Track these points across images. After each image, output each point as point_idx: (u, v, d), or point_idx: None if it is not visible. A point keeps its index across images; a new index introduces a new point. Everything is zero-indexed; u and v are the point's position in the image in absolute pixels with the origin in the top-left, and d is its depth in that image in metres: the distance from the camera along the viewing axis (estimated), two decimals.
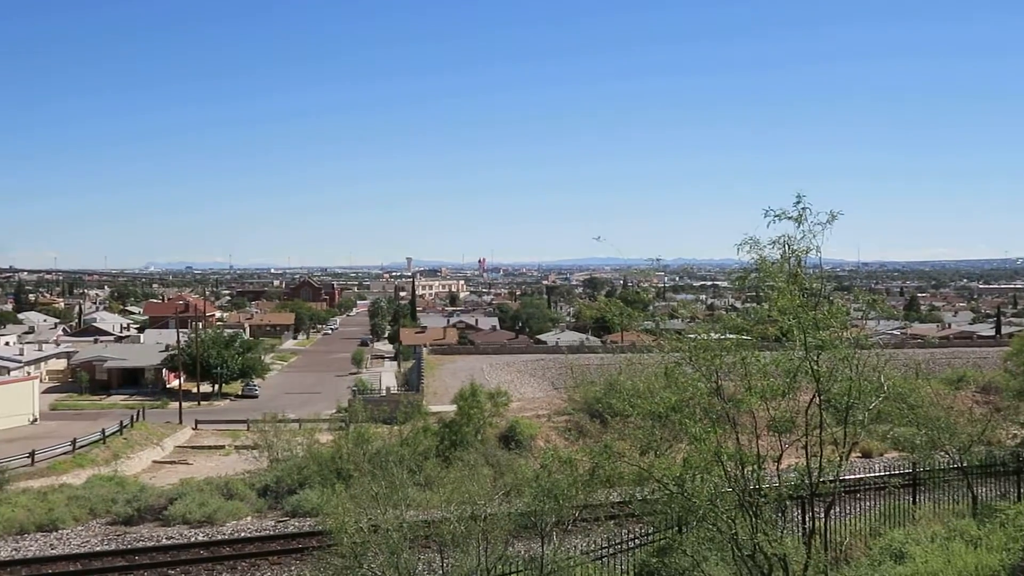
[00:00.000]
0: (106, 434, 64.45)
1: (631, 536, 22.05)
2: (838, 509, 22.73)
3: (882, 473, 32.51)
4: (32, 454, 56.25)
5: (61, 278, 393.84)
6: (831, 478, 16.42)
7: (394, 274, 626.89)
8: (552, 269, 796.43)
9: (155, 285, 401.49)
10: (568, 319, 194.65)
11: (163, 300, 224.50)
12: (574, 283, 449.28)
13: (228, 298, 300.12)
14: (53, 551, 31.44)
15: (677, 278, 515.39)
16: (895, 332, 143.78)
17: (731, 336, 16.67)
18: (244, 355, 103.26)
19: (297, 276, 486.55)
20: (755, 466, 15.76)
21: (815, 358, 15.85)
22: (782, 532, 16.12)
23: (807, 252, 16.22)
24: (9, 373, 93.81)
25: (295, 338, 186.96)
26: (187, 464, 63.02)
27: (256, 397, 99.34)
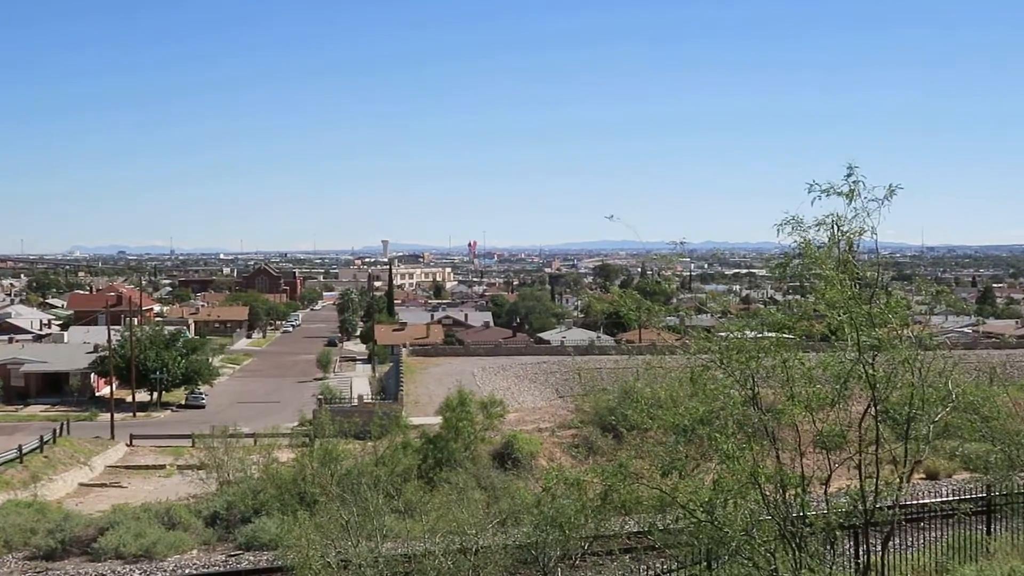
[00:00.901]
0: (23, 452, 64.38)
1: (650, 573, 22.09)
2: (897, 541, 22.77)
3: (950, 498, 32.57)
4: None
5: None
6: (889, 504, 16.43)
7: (367, 260, 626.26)
8: (556, 254, 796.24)
9: (81, 273, 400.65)
10: (575, 314, 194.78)
11: (91, 291, 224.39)
12: (582, 271, 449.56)
13: (169, 289, 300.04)
14: None
15: (705, 265, 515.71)
16: (966, 330, 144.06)
17: (770, 334, 16.67)
18: (188, 357, 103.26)
19: (251, 263, 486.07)
20: (799, 489, 15.77)
21: (870, 361, 15.83)
22: (831, 568, 16.15)
23: (860, 234, 16.17)
24: None
25: (249, 336, 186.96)
26: (120, 487, 63.04)
27: (203, 407, 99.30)
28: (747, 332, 16.75)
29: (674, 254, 19.24)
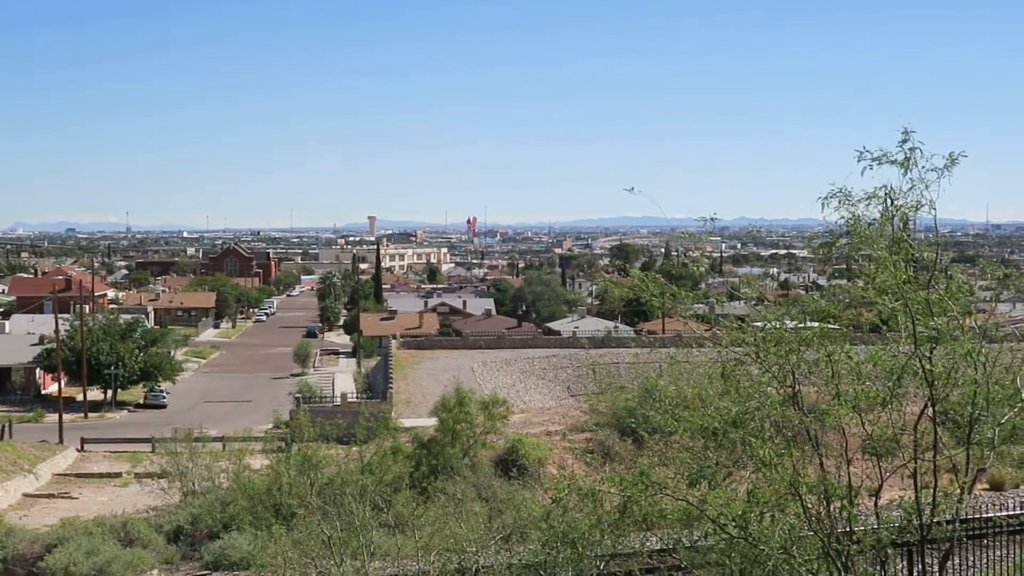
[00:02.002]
0: None
1: None
2: (958, 560, 22.80)
3: (1018, 512, 32.60)
4: None
5: None
6: (949, 518, 16.44)
7: (351, 239, 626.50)
8: (568, 232, 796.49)
9: (24, 254, 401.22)
10: (590, 301, 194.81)
11: (36, 274, 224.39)
12: (598, 251, 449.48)
13: (124, 272, 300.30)
14: None
15: (739, 245, 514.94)
16: None
17: (812, 325, 16.65)
18: (147, 350, 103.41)
19: (219, 242, 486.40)
20: (845, 501, 15.79)
21: (927, 354, 15.80)
22: None
23: (917, 209, 16.11)
24: None
25: (217, 326, 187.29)
26: (70, 498, 63.17)
27: (164, 407, 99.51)
28: (786, 322, 16.74)
29: (703, 232, 19.16)
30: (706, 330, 18.28)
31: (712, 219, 18.46)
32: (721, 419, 16.04)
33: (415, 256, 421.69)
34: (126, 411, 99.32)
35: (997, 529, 29.19)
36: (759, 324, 16.87)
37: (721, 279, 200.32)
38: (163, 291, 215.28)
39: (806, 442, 16.16)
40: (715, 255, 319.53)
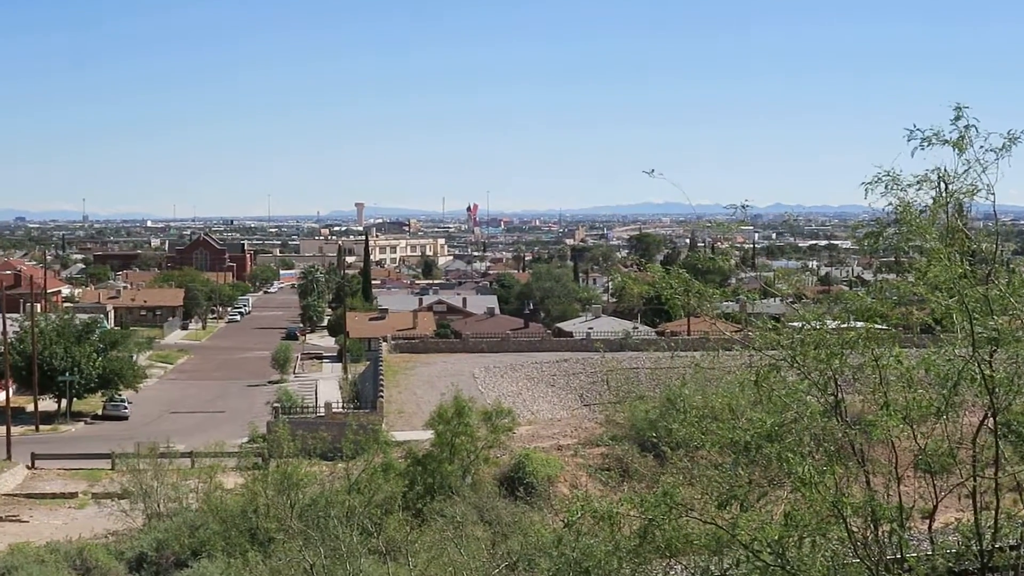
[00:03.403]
0: None
1: None
2: None
3: None
4: None
5: None
6: (1012, 543, 16.42)
7: (336, 229, 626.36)
8: (580, 221, 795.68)
9: None
10: (605, 298, 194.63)
11: None
12: (614, 242, 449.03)
13: (81, 266, 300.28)
14: None
15: (774, 235, 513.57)
16: None
17: (857, 325, 16.63)
18: (107, 354, 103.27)
19: (187, 232, 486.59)
20: (895, 524, 15.77)
21: (987, 358, 15.75)
22: None
23: (973, 194, 16.07)
24: None
25: (185, 327, 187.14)
26: (20, 521, 63.20)
27: (126, 419, 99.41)
28: (827, 322, 16.72)
29: (733, 221, 19.16)
30: (736, 331, 18.26)
31: (743, 206, 18.45)
32: (754, 432, 16.02)
33: (408, 248, 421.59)
34: (83, 423, 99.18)
35: None
36: (796, 324, 16.86)
37: (753, 274, 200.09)
38: (124, 287, 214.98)
39: (850, 458, 16.14)
40: (747, 247, 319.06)
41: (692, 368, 20.36)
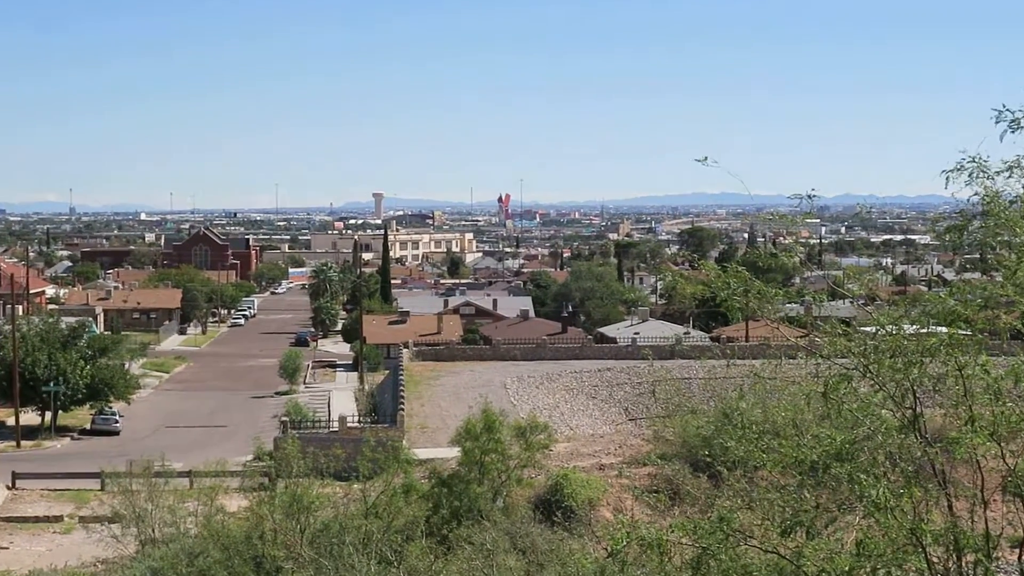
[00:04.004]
0: None
1: None
2: None
3: None
4: None
5: None
6: None
7: (353, 221, 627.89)
8: (625, 213, 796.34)
9: None
10: (654, 300, 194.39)
11: None
12: (663, 236, 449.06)
13: (68, 264, 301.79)
14: None
15: (843, 229, 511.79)
16: None
17: (938, 330, 16.56)
18: (96, 362, 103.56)
19: (186, 225, 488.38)
20: (980, 555, 15.71)
21: None
22: None
23: None
24: None
25: (183, 332, 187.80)
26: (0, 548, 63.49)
27: (116, 433, 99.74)
28: (905, 326, 16.66)
29: (798, 213, 19.15)
30: (801, 337, 18.22)
31: (809, 196, 18.43)
32: (822, 450, 15.99)
33: (432, 244, 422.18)
34: (69, 438, 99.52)
35: None
36: (869, 330, 16.81)
37: (820, 272, 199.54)
38: (115, 288, 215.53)
39: (930, 479, 16.09)
40: (813, 242, 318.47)
41: (751, 378, 20.22)
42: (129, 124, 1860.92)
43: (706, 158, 18.89)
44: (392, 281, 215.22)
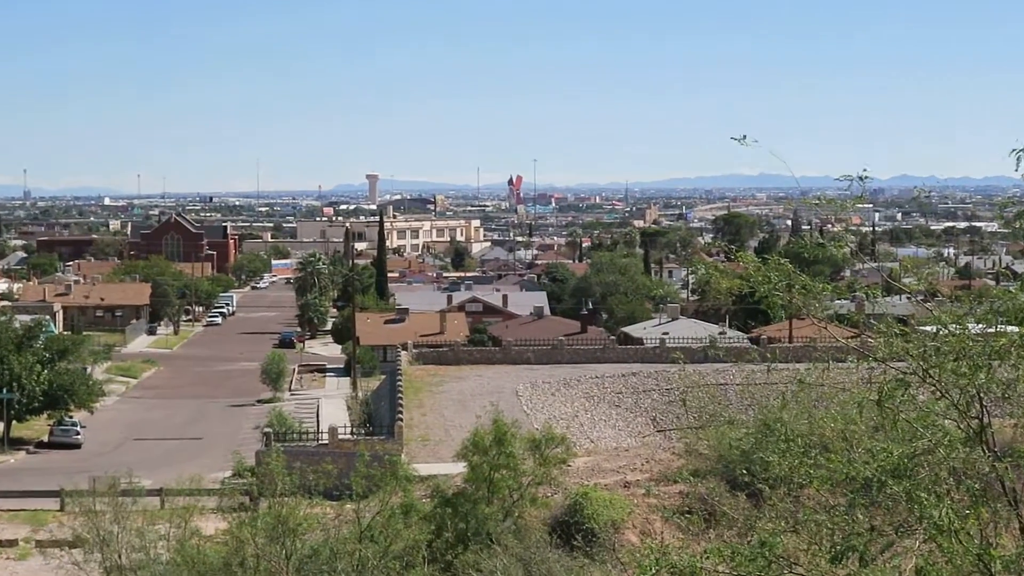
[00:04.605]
0: None
1: None
2: None
3: None
4: None
5: None
6: None
7: (344, 206, 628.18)
8: (652, 197, 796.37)
9: None
10: (685, 295, 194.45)
11: None
12: (695, 224, 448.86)
13: (22, 255, 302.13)
14: None
15: (899, 215, 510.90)
16: None
17: (1008, 329, 16.57)
18: (54, 366, 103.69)
19: (156, 211, 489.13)
20: None
21: None
22: None
23: None
24: None
25: (153, 332, 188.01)
26: None
27: (78, 447, 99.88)
28: (970, 325, 16.67)
29: (848, 197, 19.15)
30: (852, 338, 18.25)
31: (861, 178, 18.43)
32: (876, 466, 16.01)
33: (434, 232, 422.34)
34: (24, 452, 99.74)
35: None
36: (929, 329, 16.82)
37: (873, 264, 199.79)
38: (76, 282, 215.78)
39: (999, 498, 16.10)
40: (865, 229, 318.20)
41: (795, 384, 20.24)
42: (92, 99, 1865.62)
43: (744, 136, 18.94)
44: (389, 274, 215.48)
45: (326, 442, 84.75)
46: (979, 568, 15.53)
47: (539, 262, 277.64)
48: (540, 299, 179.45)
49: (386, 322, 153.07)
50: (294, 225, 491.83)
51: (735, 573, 16.84)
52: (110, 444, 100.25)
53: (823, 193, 20.96)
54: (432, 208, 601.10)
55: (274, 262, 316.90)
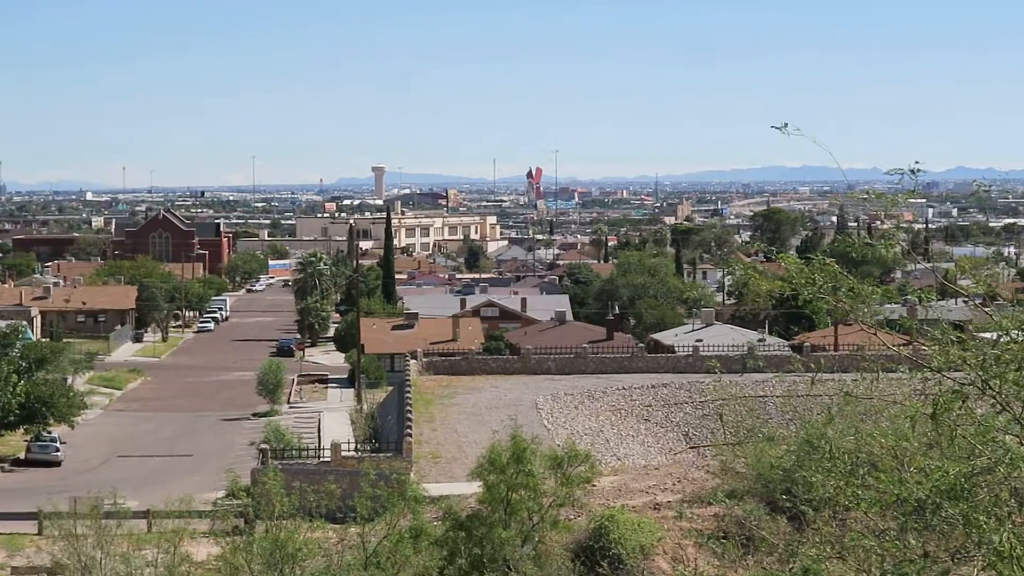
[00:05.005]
0: None
1: None
2: None
3: None
4: None
5: None
6: None
7: (348, 202, 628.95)
8: (685, 191, 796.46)
9: None
10: (720, 299, 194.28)
11: None
12: (732, 220, 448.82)
13: None
14: None
15: (954, 210, 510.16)
16: None
17: None
18: (31, 376, 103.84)
19: (143, 207, 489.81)
20: None
21: None
22: None
23: None
24: None
25: (139, 339, 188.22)
26: None
27: (58, 464, 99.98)
28: None
29: (899, 192, 19.16)
30: (903, 345, 18.24)
31: (913, 171, 18.42)
32: (930, 486, 15.99)
33: (446, 229, 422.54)
34: None
35: None
36: (989, 336, 16.80)
37: (927, 265, 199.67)
38: (56, 284, 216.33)
39: None
40: (917, 227, 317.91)
41: (841, 397, 20.22)
42: (72, 84, 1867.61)
43: (786, 124, 18.93)
44: (396, 276, 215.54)
45: (328, 459, 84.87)
46: None
47: (561, 262, 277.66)
48: (562, 303, 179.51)
49: (393, 328, 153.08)
50: (293, 222, 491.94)
51: None
52: (92, 461, 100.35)
53: (872, 187, 20.96)
54: (444, 203, 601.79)
55: (271, 262, 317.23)
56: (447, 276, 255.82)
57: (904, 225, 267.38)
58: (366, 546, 44.90)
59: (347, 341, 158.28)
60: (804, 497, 25.05)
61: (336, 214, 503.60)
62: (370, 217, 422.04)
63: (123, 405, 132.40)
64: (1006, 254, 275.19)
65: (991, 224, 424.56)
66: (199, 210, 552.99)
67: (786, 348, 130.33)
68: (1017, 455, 16.10)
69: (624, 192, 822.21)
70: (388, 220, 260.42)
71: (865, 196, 20.56)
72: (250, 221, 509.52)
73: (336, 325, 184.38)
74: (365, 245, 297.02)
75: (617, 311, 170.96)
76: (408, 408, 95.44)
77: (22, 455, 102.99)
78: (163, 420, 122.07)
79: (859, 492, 16.99)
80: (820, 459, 20.86)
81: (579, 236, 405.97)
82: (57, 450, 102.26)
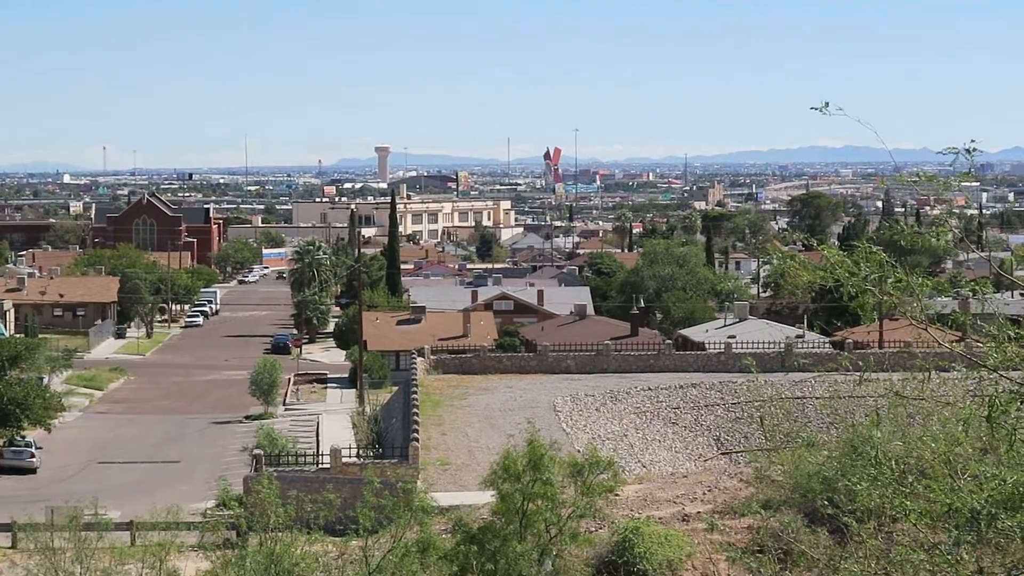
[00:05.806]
0: None
1: None
2: None
3: None
4: None
5: None
6: None
7: (349, 185, 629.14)
8: (717, 174, 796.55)
9: None
10: (756, 291, 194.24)
11: None
12: (768, 206, 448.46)
13: None
14: None
15: (1010, 194, 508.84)
16: None
17: None
18: (2, 376, 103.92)
19: (125, 191, 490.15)
20: None
21: None
22: None
23: None
24: None
25: (121, 334, 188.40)
26: None
27: (33, 471, 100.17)
28: None
29: (951, 175, 19.19)
30: (956, 342, 18.30)
31: (968, 151, 18.43)
32: (985, 496, 16.01)
33: (456, 215, 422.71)
34: None
35: None
36: None
37: (981, 254, 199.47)
38: (30, 275, 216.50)
39: None
40: (971, 212, 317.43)
41: (888, 398, 20.25)
42: (48, 59, 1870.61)
43: (827, 103, 18.95)
44: (402, 266, 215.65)
45: (327, 466, 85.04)
46: None
47: (581, 251, 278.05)
48: (582, 296, 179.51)
49: (399, 323, 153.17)
50: (289, 207, 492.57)
51: None
52: (71, 468, 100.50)
53: (921, 169, 20.99)
54: (454, 187, 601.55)
55: (265, 251, 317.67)
56: (457, 266, 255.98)
57: (956, 211, 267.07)
58: (369, 561, 44.96)
59: (348, 337, 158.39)
60: (847, 507, 25.06)
61: (336, 198, 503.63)
62: (373, 202, 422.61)
63: (104, 407, 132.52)
64: None
65: None
66: (186, 194, 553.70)
67: (827, 345, 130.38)
68: None
69: (650, 175, 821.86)
70: (393, 205, 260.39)
71: (914, 179, 20.53)
72: (242, 206, 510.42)
73: (336, 320, 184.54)
74: (368, 232, 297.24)
75: (642, 305, 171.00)
76: (414, 410, 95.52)
77: None
78: (148, 423, 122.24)
79: (907, 502, 17.04)
80: (865, 466, 20.88)
81: (601, 223, 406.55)
82: (32, 456, 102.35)
